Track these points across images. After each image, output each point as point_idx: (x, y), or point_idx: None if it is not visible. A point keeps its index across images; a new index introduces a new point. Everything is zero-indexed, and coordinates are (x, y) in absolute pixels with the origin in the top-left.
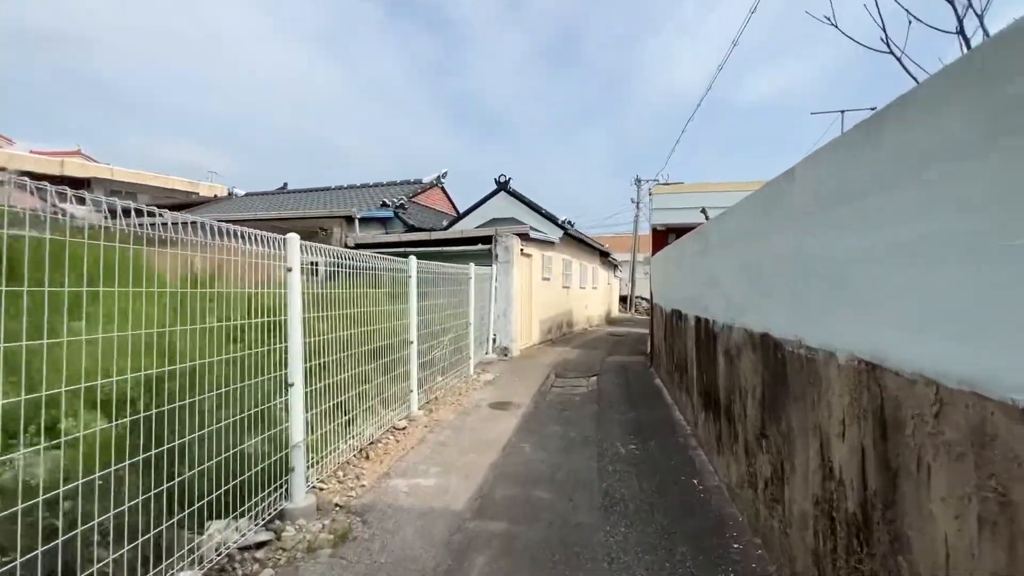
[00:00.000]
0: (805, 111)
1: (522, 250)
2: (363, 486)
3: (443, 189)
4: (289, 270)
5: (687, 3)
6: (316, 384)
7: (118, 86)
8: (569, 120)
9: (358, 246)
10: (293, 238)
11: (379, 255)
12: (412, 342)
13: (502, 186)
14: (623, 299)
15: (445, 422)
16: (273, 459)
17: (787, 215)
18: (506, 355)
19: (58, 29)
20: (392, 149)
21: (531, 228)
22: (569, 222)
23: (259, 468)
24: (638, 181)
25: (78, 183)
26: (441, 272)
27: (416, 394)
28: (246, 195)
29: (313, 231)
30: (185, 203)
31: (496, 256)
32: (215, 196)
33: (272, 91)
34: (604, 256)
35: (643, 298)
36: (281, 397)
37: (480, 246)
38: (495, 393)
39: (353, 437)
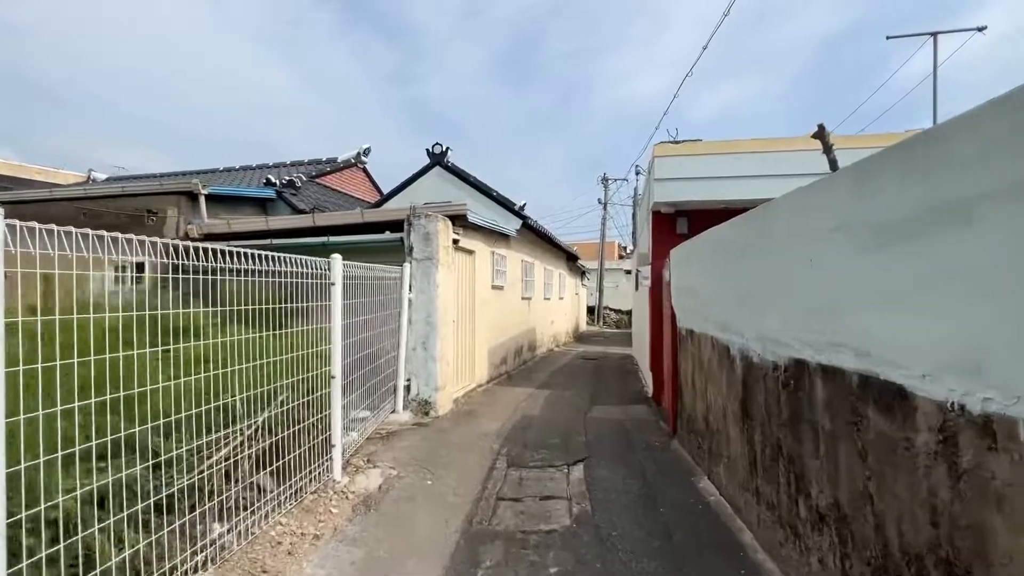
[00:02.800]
0: (753, 123)
1: (457, 241)
2: None
3: (366, 171)
4: None
5: (640, 23)
6: None
7: (54, 83)
8: (527, 128)
9: (208, 237)
10: None
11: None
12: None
13: (436, 159)
14: (590, 310)
15: None
16: None
17: None
18: (427, 413)
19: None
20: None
21: (469, 211)
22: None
23: None
24: (605, 180)
25: None
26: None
27: None
28: (106, 179)
29: (140, 216)
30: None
31: (410, 249)
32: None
33: (230, 97)
34: (572, 260)
35: (612, 309)
36: None
37: (388, 235)
38: (352, 560)
39: None
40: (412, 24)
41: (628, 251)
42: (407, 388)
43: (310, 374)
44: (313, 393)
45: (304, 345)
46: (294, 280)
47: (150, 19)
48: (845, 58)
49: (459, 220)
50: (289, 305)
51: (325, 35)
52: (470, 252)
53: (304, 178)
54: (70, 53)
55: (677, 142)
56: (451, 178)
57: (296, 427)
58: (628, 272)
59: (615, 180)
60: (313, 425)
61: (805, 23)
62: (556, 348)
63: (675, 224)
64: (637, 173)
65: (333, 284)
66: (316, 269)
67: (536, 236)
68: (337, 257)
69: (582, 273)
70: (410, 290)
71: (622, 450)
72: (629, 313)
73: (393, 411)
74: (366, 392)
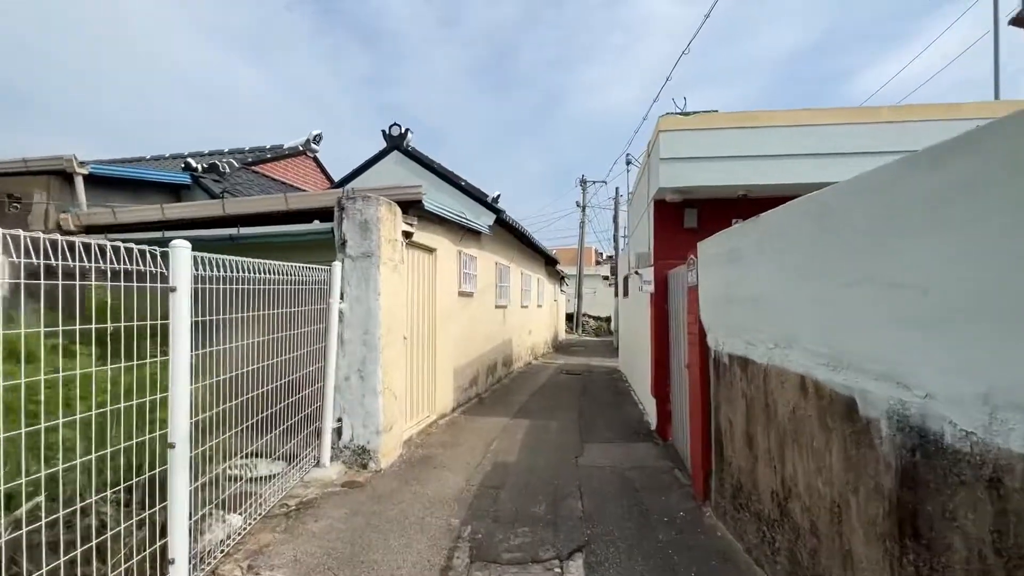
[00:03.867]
0: None
1: (410, 235)
2: None
3: (316, 160)
4: None
5: (616, 33)
6: None
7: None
8: (503, 136)
9: (88, 229)
10: None
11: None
12: None
13: (394, 142)
14: (568, 317)
15: None
16: None
17: None
18: (365, 465)
19: None
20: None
21: (426, 197)
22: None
23: None
24: (583, 182)
25: None
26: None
27: None
28: None
29: None
30: None
31: (342, 244)
32: None
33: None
34: (551, 264)
35: (591, 316)
36: None
37: (317, 226)
38: None
39: None
40: (387, 29)
41: (605, 257)
42: (337, 431)
43: (140, 439)
44: (140, 471)
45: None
46: (126, 283)
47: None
48: (809, 72)
49: (413, 208)
50: (110, 325)
51: (298, 37)
52: (429, 250)
53: (236, 164)
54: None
55: (687, 114)
56: (412, 164)
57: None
58: (606, 278)
59: (593, 183)
60: (133, 530)
61: (774, 36)
62: (535, 361)
63: (682, 216)
64: (628, 163)
65: (174, 290)
66: (147, 267)
67: (512, 235)
68: (181, 246)
69: (561, 279)
70: (342, 298)
71: (636, 527)
72: (608, 320)
73: (317, 463)
74: (277, 438)
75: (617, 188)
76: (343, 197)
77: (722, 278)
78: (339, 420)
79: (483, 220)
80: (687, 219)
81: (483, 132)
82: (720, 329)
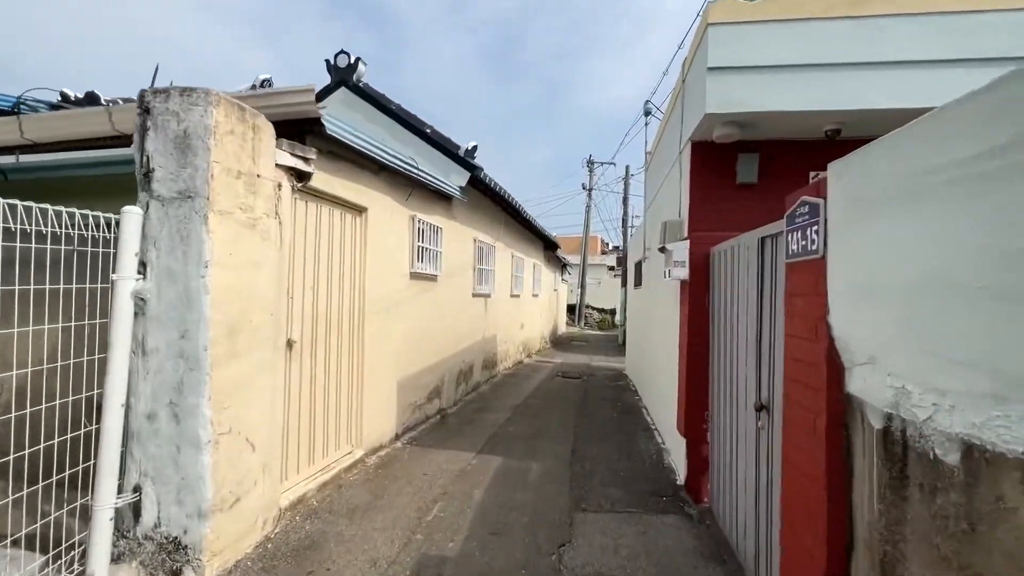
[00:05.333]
0: None
1: (303, 177)
2: None
3: None
4: None
5: (624, 24)
6: None
7: None
8: (508, 125)
9: None
10: None
11: None
12: None
13: (341, 75)
14: (570, 309)
15: None
16: None
17: None
18: (177, 572)
19: None
20: None
21: (330, 117)
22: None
23: None
24: (590, 163)
25: None
26: None
27: None
28: None
29: None
30: None
31: (147, 172)
32: None
33: None
34: (550, 249)
35: (594, 308)
36: None
37: (114, 154)
38: None
39: None
40: (394, 15)
41: (611, 247)
42: (134, 509)
43: None
44: None
45: None
46: None
47: None
48: None
49: (311, 135)
50: None
51: (305, 19)
52: (354, 208)
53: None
54: None
55: None
56: (363, 106)
57: None
58: (611, 268)
59: (601, 163)
60: None
61: None
62: (527, 360)
63: (733, 167)
64: (647, 113)
65: None
66: None
67: (499, 206)
68: None
69: (563, 266)
70: (141, 272)
71: None
72: (612, 312)
73: (83, 573)
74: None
75: (628, 166)
76: (147, 93)
77: (930, 235)
78: (136, 490)
79: (453, 180)
80: (742, 170)
81: (488, 121)
82: (901, 360)
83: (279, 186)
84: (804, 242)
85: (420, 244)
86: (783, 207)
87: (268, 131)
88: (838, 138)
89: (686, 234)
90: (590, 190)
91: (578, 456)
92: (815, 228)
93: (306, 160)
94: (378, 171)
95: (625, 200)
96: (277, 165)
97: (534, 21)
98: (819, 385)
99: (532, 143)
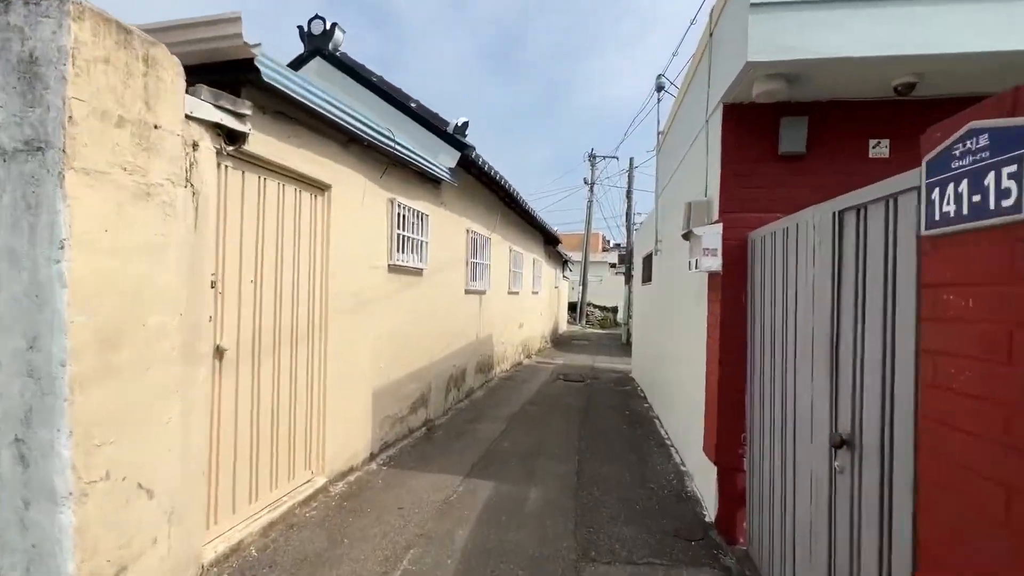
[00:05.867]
0: None
1: (236, 139)
2: None
3: None
4: None
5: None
6: None
7: None
8: (509, 123)
9: None
10: None
11: None
12: None
13: (315, 43)
14: (571, 307)
15: None
16: None
17: None
18: None
19: None
20: None
21: (265, 60)
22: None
23: None
24: (592, 157)
25: None
26: None
27: None
28: None
29: None
30: None
31: None
32: None
33: None
34: (551, 244)
35: (596, 306)
36: None
37: None
38: None
39: None
40: (395, 11)
41: (612, 244)
42: None
43: None
44: None
45: None
46: None
47: None
48: None
49: (246, 83)
50: None
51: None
52: (313, 185)
53: None
54: None
55: None
56: (341, 76)
57: None
58: (613, 265)
59: (604, 158)
60: None
61: None
62: (527, 361)
63: (774, 133)
64: (659, 88)
65: None
66: None
67: (496, 195)
68: None
69: (564, 263)
70: None
71: None
72: (614, 311)
73: None
74: None
75: (632, 159)
76: None
77: None
78: None
79: (441, 160)
80: (786, 138)
81: (489, 120)
82: None
83: (194, 145)
84: (978, 197)
85: (401, 232)
86: (836, 183)
87: (173, 68)
88: (910, 95)
89: (715, 216)
90: (592, 184)
91: (584, 480)
92: (1010, 170)
93: (239, 116)
94: (347, 143)
95: (629, 193)
96: (191, 118)
97: (535, 21)
98: (1016, 441)
99: (532, 143)
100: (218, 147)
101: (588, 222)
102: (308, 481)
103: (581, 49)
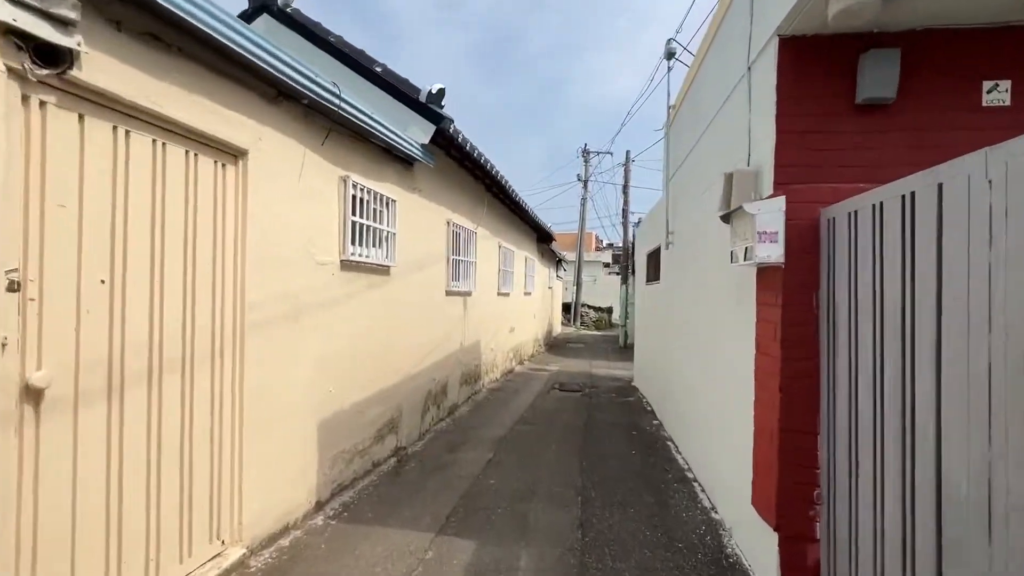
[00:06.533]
0: None
1: (59, 51)
2: None
3: None
4: None
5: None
6: None
7: None
8: (502, 121)
9: None
10: None
11: None
12: None
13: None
14: (565, 307)
15: None
16: None
17: None
18: None
19: None
20: None
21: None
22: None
23: None
24: (586, 152)
25: None
26: None
27: None
28: None
29: None
30: None
31: None
32: None
33: None
34: (544, 241)
35: (590, 307)
36: None
37: None
38: None
39: None
40: (388, 10)
41: (604, 244)
42: None
43: None
44: None
45: None
46: None
47: None
48: None
49: None
50: None
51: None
52: (222, 149)
53: None
54: None
55: None
56: (293, 37)
57: None
58: (607, 265)
59: (598, 153)
60: None
61: None
62: (519, 368)
63: (852, 74)
64: (670, 56)
65: None
66: None
67: (481, 181)
68: None
69: (557, 261)
70: None
71: None
72: (609, 311)
73: None
74: None
75: (628, 151)
76: None
77: None
78: None
79: (412, 134)
80: (869, 80)
81: (481, 119)
82: None
83: None
84: None
85: (359, 220)
86: (938, 140)
87: None
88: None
89: (770, 189)
90: (586, 181)
91: (591, 536)
92: None
93: (57, 22)
94: (275, 97)
95: (626, 188)
96: None
97: (529, 16)
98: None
99: (525, 143)
100: (19, 67)
101: (582, 219)
102: (215, 557)
103: (576, 47)
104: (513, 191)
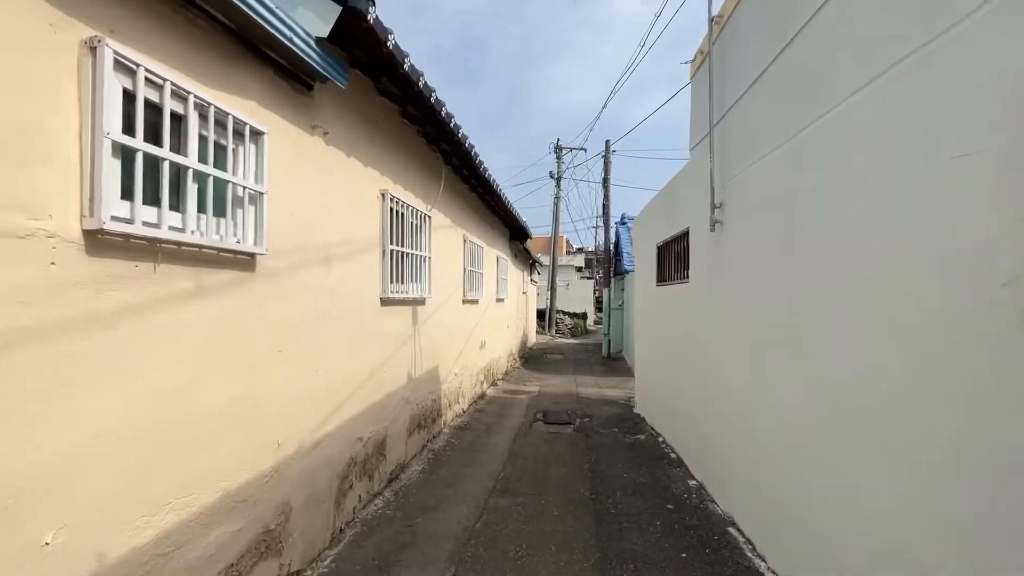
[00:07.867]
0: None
1: None
2: None
3: None
4: None
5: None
6: None
7: None
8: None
9: None
10: None
11: None
12: None
13: None
14: (539, 314)
15: None
16: None
17: None
18: None
19: None
20: None
21: None
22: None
23: None
24: (558, 148)
25: None
26: None
27: None
28: None
29: None
30: None
31: None
32: None
33: None
34: (518, 239)
35: (565, 313)
36: None
37: None
38: None
39: None
40: None
41: (575, 248)
42: None
43: None
44: None
45: None
46: None
47: None
48: None
49: None
50: None
51: None
52: None
53: None
54: None
55: None
56: None
57: None
58: (579, 269)
59: (571, 149)
60: None
61: None
62: (491, 391)
63: None
64: None
65: None
66: None
67: (438, 147)
68: None
69: (532, 263)
70: None
71: None
72: (584, 316)
73: None
74: None
75: (607, 140)
76: None
77: None
78: None
79: (300, 18)
80: None
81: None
82: None
83: None
84: None
85: (177, 160)
86: None
87: None
88: None
89: None
90: (559, 178)
91: None
92: None
93: None
94: None
95: (606, 181)
96: None
97: (496, 25)
98: None
99: (490, 150)
100: None
101: (556, 220)
102: None
103: (539, 56)
104: (483, 166)
